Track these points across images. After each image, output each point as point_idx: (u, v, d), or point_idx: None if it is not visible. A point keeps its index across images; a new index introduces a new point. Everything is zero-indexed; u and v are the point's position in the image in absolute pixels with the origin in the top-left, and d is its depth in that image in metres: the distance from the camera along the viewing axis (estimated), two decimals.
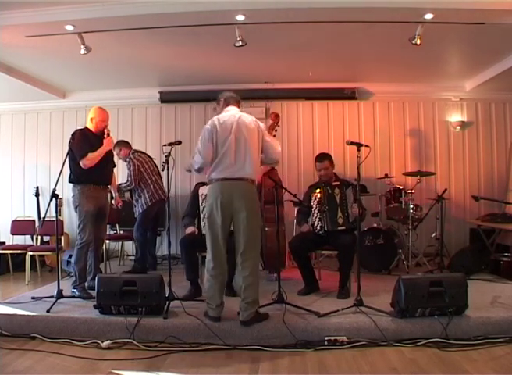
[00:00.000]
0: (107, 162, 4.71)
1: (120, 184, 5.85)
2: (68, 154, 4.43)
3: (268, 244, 4.90)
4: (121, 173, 6.48)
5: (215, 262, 3.65)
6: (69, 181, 4.58)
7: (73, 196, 4.58)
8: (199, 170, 3.77)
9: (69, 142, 4.44)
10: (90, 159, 4.44)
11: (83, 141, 4.48)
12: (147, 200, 5.75)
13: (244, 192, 3.64)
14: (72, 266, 4.62)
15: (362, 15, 4.40)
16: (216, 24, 4.56)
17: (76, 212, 4.58)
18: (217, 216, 3.61)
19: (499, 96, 7.07)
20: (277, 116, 5.59)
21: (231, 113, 3.77)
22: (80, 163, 4.43)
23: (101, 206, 4.68)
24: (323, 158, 4.83)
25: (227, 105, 3.85)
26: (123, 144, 5.97)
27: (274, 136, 5.50)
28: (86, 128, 4.67)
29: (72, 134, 4.51)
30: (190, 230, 4.74)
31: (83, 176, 4.50)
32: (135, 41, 5.12)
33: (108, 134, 4.62)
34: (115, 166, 5.03)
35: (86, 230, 4.49)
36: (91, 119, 4.64)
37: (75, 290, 4.50)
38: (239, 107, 3.89)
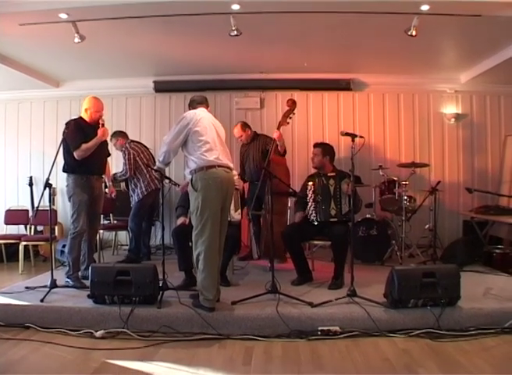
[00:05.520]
0: (101, 151, 4.67)
1: (115, 174, 5.84)
2: (61, 144, 4.39)
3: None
4: (115, 162, 6.46)
5: (214, 250, 3.66)
6: (63, 171, 4.56)
7: (67, 185, 4.56)
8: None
9: (63, 132, 4.39)
10: (84, 150, 4.41)
11: (77, 132, 4.44)
12: (143, 189, 5.74)
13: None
14: (66, 255, 4.61)
15: (358, 5, 4.37)
16: (211, 13, 4.53)
17: (69, 201, 4.56)
18: (218, 200, 3.71)
19: (494, 89, 7.07)
20: (294, 102, 5.35)
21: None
22: (74, 154, 4.40)
23: (95, 196, 4.66)
24: (316, 145, 4.97)
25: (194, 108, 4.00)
26: (120, 134, 5.96)
27: (288, 123, 5.46)
28: (80, 118, 4.64)
29: (66, 124, 4.46)
30: (181, 220, 4.75)
31: (77, 166, 4.48)
32: (129, 29, 5.07)
33: (103, 125, 4.57)
34: (109, 155, 5.01)
35: (79, 220, 4.47)
36: (86, 109, 4.59)
37: (69, 279, 4.49)
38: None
